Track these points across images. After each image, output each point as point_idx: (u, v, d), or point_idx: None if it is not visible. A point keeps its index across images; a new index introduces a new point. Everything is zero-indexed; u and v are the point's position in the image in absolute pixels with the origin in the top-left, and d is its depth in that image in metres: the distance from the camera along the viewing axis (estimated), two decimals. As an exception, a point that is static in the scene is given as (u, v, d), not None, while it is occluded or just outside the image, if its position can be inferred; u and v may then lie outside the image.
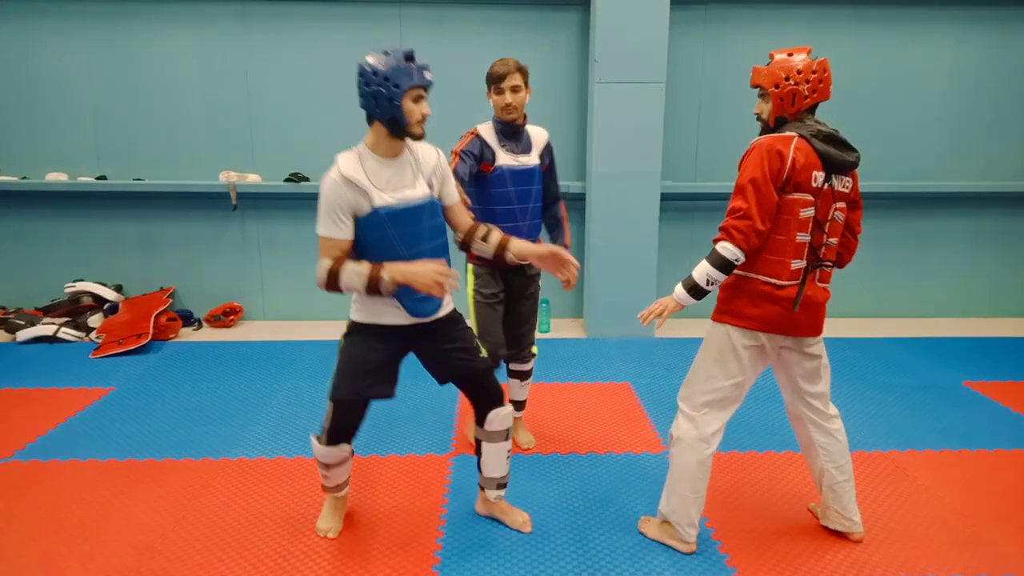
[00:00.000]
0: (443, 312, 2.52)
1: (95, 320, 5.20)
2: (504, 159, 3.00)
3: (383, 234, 2.31)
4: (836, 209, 2.37)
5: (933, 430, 3.62)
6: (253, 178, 5.33)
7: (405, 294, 2.35)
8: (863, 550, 2.60)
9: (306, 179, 5.30)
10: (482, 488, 2.75)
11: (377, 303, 2.39)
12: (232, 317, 5.45)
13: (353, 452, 2.63)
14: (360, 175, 2.28)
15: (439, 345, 2.53)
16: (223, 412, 3.80)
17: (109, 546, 2.61)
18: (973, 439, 3.52)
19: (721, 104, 5.42)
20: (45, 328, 5.03)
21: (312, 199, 5.82)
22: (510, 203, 3.03)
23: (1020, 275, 5.85)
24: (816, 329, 2.45)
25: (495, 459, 2.66)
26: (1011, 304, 5.89)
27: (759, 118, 2.45)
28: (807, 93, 2.32)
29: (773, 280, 2.35)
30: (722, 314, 2.45)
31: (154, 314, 5.02)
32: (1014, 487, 3.06)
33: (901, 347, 5.01)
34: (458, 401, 3.98)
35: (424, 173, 2.42)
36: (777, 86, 2.33)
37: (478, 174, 2.98)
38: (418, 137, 2.32)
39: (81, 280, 5.40)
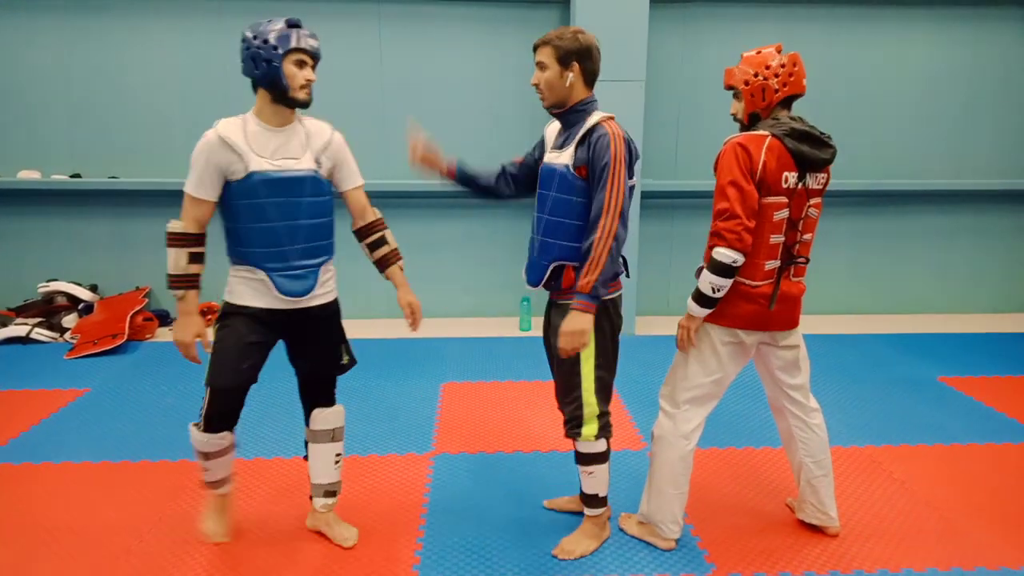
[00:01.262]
0: (318, 299, 2.44)
1: (69, 320, 5.12)
2: (547, 155, 2.47)
3: (256, 203, 2.26)
4: (810, 206, 2.39)
5: (908, 425, 3.67)
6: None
7: (275, 269, 2.32)
8: (840, 544, 2.62)
9: (284, 177, 5.26)
10: (311, 498, 2.63)
11: (252, 285, 2.35)
12: (209, 317, 5.39)
13: (235, 445, 2.52)
14: (239, 138, 2.24)
15: (307, 339, 2.48)
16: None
17: (84, 549, 2.57)
18: (948, 433, 3.57)
19: (700, 102, 5.45)
20: (18, 329, 4.95)
21: (291, 197, 5.74)
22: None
23: (993, 271, 5.95)
24: (792, 323, 2.47)
25: (320, 462, 2.56)
26: (985, 300, 5.98)
27: (735, 118, 2.46)
28: (777, 87, 2.32)
29: (747, 281, 2.36)
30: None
31: (130, 314, 4.95)
32: (987, 480, 3.11)
33: (877, 342, 5.08)
34: (438, 400, 3.98)
35: (313, 148, 2.36)
36: (747, 83, 2.33)
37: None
38: (303, 103, 2.28)
39: (55, 280, 5.31)
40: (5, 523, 2.73)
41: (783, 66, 2.32)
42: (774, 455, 3.30)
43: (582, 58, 2.29)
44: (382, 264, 2.60)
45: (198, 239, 2.34)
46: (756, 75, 2.32)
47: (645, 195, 5.28)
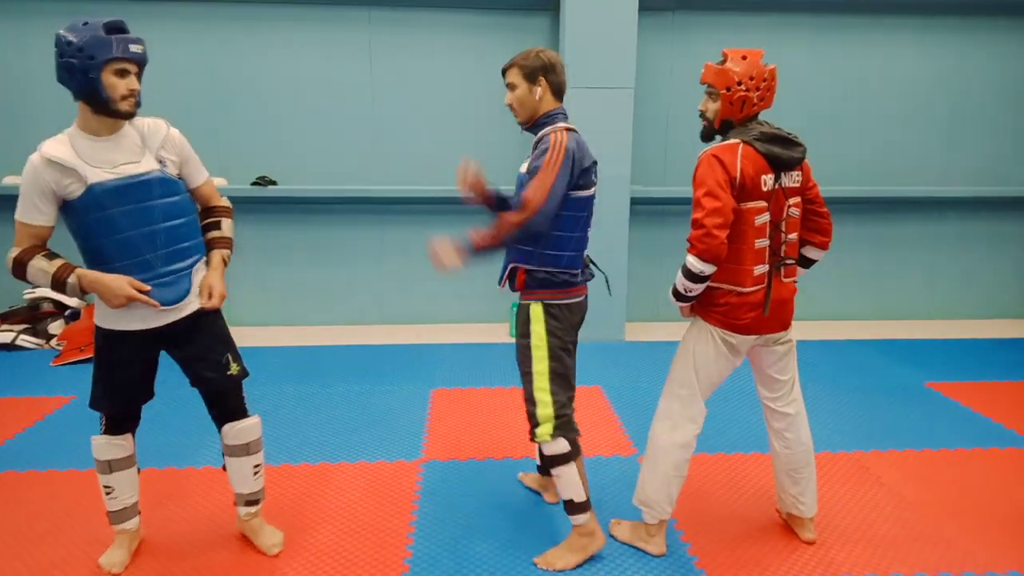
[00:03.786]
0: (189, 308, 2.32)
1: (56, 327, 5.08)
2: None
3: (105, 215, 2.13)
4: (790, 206, 2.40)
5: (896, 430, 3.69)
6: (219, 181, 5.24)
7: (143, 281, 2.19)
8: (829, 550, 2.63)
9: (273, 182, 5.24)
10: (235, 504, 2.61)
11: (118, 310, 2.21)
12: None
13: (137, 465, 2.49)
14: (67, 155, 2.10)
15: (188, 352, 2.37)
16: (188, 420, 3.72)
17: (66, 558, 2.54)
18: (935, 439, 3.59)
19: (689, 109, 5.46)
20: (3, 335, 4.90)
21: (280, 203, 5.75)
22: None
23: (980, 277, 6.00)
24: (784, 325, 2.49)
25: (239, 475, 2.52)
26: (972, 306, 6.03)
27: (702, 116, 2.43)
28: (755, 101, 2.34)
29: (738, 288, 2.38)
30: (701, 311, 2.50)
31: (117, 320, 4.91)
32: (975, 485, 3.13)
33: (864, 349, 5.10)
34: (428, 406, 3.96)
35: (151, 147, 2.23)
36: (729, 89, 2.32)
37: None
38: (126, 115, 2.15)
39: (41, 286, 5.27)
40: (-12, 532, 2.70)
41: (764, 80, 2.33)
42: (764, 460, 3.31)
43: (547, 72, 2.42)
44: (208, 246, 2.42)
45: (43, 247, 2.23)
46: (740, 84, 2.31)
47: (635, 202, 5.30)
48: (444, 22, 5.28)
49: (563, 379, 2.45)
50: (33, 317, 5.12)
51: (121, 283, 2.14)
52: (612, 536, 2.70)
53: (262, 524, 2.64)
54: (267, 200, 5.33)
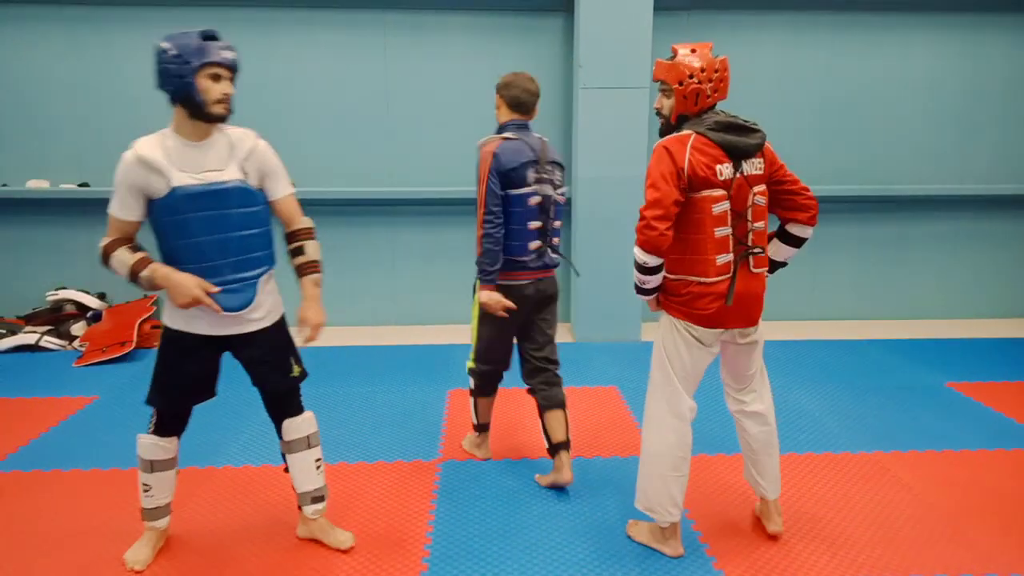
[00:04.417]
0: (258, 324, 2.40)
1: (78, 328, 5.15)
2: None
3: (181, 218, 2.22)
4: (755, 194, 2.38)
5: (917, 431, 3.65)
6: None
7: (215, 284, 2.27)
8: (848, 551, 2.62)
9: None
10: (300, 507, 2.62)
11: (193, 311, 2.29)
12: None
13: (177, 467, 2.56)
14: (157, 155, 2.19)
15: (252, 356, 2.44)
16: (208, 420, 3.74)
17: (92, 557, 2.58)
18: (956, 440, 3.55)
19: (705, 109, 5.46)
20: (27, 337, 4.98)
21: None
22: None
23: (998, 276, 5.93)
24: (751, 320, 2.47)
25: (301, 471, 2.55)
26: (991, 305, 5.96)
27: (659, 113, 2.46)
28: (709, 92, 2.34)
29: (701, 279, 2.37)
30: (666, 305, 2.52)
31: (138, 322, 4.97)
32: (997, 487, 3.10)
33: (884, 349, 5.06)
34: (445, 406, 3.98)
35: (237, 157, 2.31)
36: (681, 83, 2.32)
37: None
38: (219, 118, 2.23)
39: (63, 288, 5.35)
40: (15, 529, 2.75)
41: (716, 71, 2.32)
42: (785, 462, 3.29)
43: (501, 88, 2.96)
44: (297, 272, 2.50)
45: (129, 240, 2.32)
46: (692, 77, 2.31)
47: (650, 202, 5.28)
48: (459, 24, 5.30)
49: (486, 343, 3.04)
50: (56, 319, 5.20)
51: (190, 284, 2.22)
52: (629, 537, 2.70)
53: (329, 524, 2.66)
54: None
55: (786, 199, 2.50)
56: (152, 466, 2.47)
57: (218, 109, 2.21)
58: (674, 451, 2.50)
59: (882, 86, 5.56)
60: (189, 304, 2.24)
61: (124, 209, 2.25)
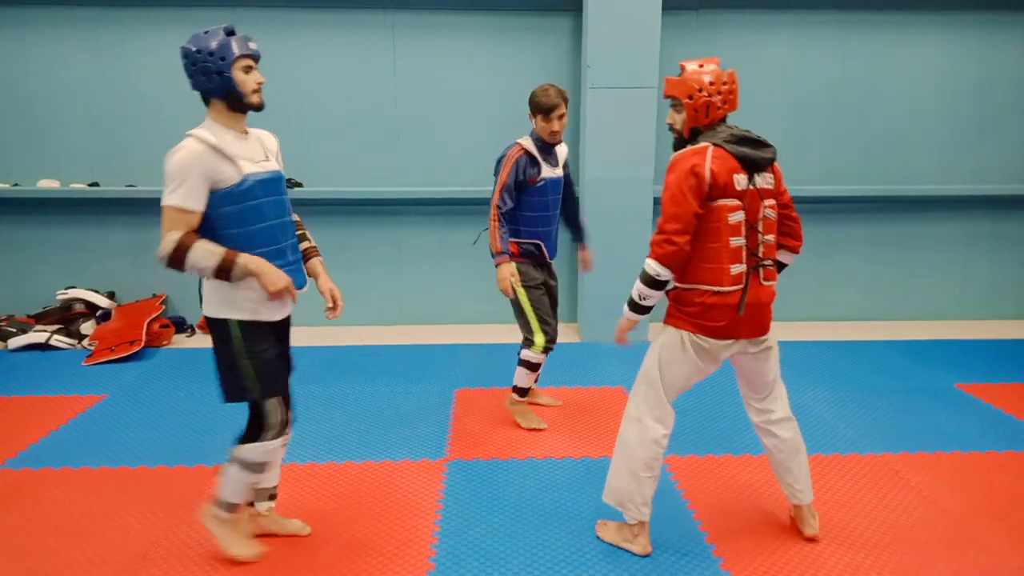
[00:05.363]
0: (291, 307, 2.49)
1: (87, 327, 5.18)
2: (546, 171, 3.40)
3: (256, 204, 2.27)
4: (766, 207, 2.41)
5: (926, 432, 3.63)
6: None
7: (280, 267, 2.30)
8: (856, 554, 2.60)
9: (298, 185, 5.30)
10: (251, 503, 2.63)
11: (261, 299, 2.30)
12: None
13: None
14: (224, 144, 2.23)
15: (285, 346, 2.54)
16: (216, 419, 3.78)
17: (101, 554, 2.60)
18: (966, 441, 3.53)
19: (713, 109, 5.44)
20: (37, 335, 5.01)
21: (305, 205, 5.81)
22: (547, 210, 3.46)
23: (1010, 278, 5.88)
24: (762, 329, 2.48)
25: (277, 466, 2.65)
26: (1002, 306, 5.92)
27: (672, 128, 2.50)
28: (719, 104, 2.38)
29: (715, 288, 2.37)
30: (672, 318, 2.51)
31: (147, 321, 5.00)
32: (1006, 489, 3.07)
33: (893, 350, 5.03)
34: (452, 406, 3.98)
35: (271, 151, 2.44)
36: (691, 97, 2.37)
37: (523, 185, 3.36)
38: (258, 107, 2.30)
39: (73, 287, 5.38)
40: (25, 527, 2.77)
41: (725, 83, 2.36)
42: (790, 463, 3.28)
43: (530, 99, 3.35)
44: (304, 257, 2.57)
45: (198, 233, 2.25)
46: (701, 91, 2.35)
47: (657, 202, 5.26)
48: (467, 24, 5.30)
49: (539, 310, 3.50)
50: (66, 318, 5.23)
51: (280, 270, 2.27)
52: (598, 536, 2.70)
53: (280, 516, 2.74)
54: (292, 202, 5.34)
55: (782, 224, 2.54)
56: (262, 468, 2.47)
57: (255, 98, 2.29)
58: (649, 449, 2.51)
59: (892, 85, 5.53)
60: (283, 290, 2.26)
61: (192, 199, 2.17)
